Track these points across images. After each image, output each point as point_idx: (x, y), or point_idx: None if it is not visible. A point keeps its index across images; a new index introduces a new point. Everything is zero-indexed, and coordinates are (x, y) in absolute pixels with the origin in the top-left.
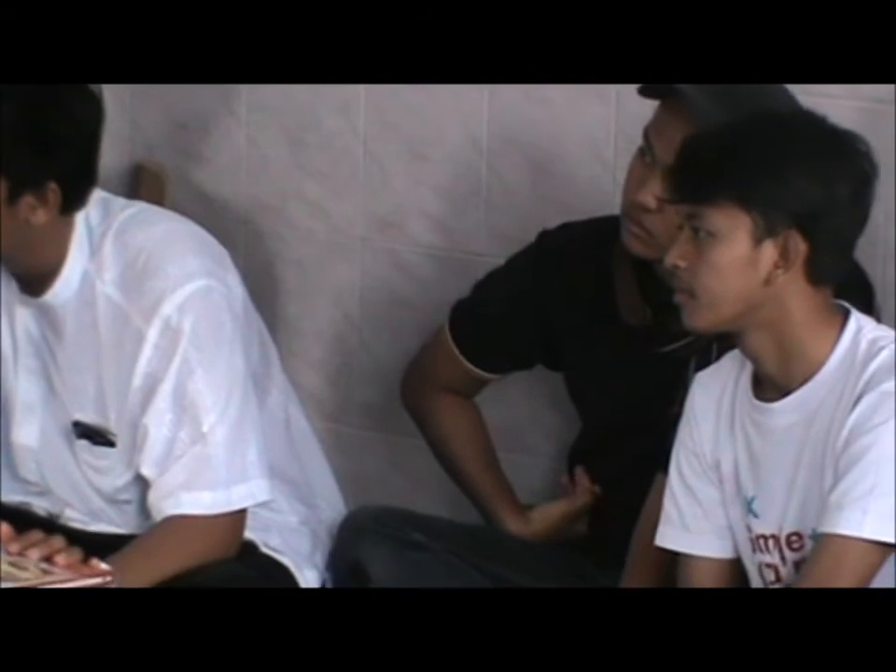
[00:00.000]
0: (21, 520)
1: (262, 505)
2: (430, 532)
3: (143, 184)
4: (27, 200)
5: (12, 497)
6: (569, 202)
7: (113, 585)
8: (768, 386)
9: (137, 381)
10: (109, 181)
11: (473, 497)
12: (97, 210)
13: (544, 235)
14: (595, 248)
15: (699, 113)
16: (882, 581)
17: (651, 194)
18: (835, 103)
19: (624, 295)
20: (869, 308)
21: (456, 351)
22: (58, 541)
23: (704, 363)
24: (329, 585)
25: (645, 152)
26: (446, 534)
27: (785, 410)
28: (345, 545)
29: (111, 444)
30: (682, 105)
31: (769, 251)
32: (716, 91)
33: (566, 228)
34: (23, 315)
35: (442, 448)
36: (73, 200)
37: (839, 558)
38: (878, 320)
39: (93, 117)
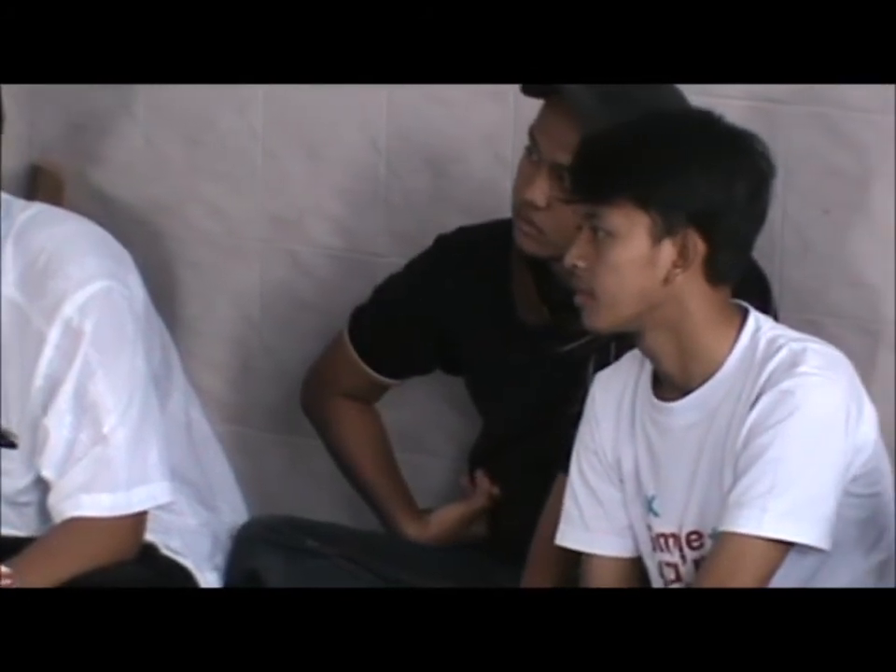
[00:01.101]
0: None
1: (163, 507)
2: (325, 538)
3: (40, 185)
4: None
5: None
6: (469, 202)
7: (13, 587)
8: (668, 386)
9: (38, 382)
10: (6, 182)
11: (371, 502)
12: None
13: (441, 239)
14: (492, 250)
15: (583, 111)
16: (783, 580)
17: (539, 192)
18: (730, 103)
19: (522, 295)
20: (766, 307)
21: (356, 357)
22: None
23: (602, 362)
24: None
25: (532, 151)
26: (341, 539)
27: (685, 409)
28: (240, 555)
29: (12, 446)
30: (566, 104)
31: (668, 250)
32: (602, 89)
33: (462, 231)
34: None
35: (341, 453)
36: None
37: (739, 557)
38: (776, 319)
39: None
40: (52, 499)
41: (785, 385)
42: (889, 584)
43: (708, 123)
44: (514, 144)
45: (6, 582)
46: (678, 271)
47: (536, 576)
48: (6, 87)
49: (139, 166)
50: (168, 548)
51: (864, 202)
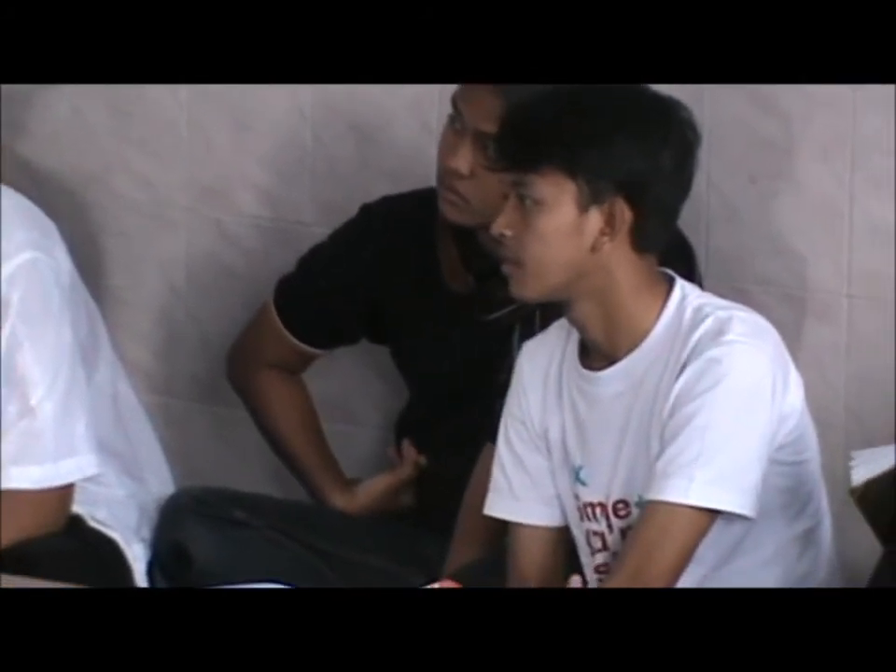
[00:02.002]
0: None
1: (90, 479)
2: (252, 509)
3: None
4: None
5: None
6: (394, 170)
7: None
8: (595, 355)
9: None
10: None
11: (298, 473)
12: None
13: (366, 208)
14: (417, 219)
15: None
16: (709, 548)
17: (462, 160)
18: None
19: (447, 264)
20: (692, 275)
21: (282, 327)
22: None
23: (528, 332)
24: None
25: (454, 119)
26: (269, 510)
27: (611, 378)
28: (167, 527)
29: None
30: None
31: (595, 219)
32: None
33: (387, 200)
34: None
35: (267, 424)
36: None
37: (665, 525)
38: (701, 287)
39: None
40: None
41: (711, 353)
42: (815, 552)
43: (635, 92)
44: (440, 111)
45: None
46: (605, 239)
47: (463, 546)
48: None
49: (66, 137)
50: (95, 519)
51: (790, 170)
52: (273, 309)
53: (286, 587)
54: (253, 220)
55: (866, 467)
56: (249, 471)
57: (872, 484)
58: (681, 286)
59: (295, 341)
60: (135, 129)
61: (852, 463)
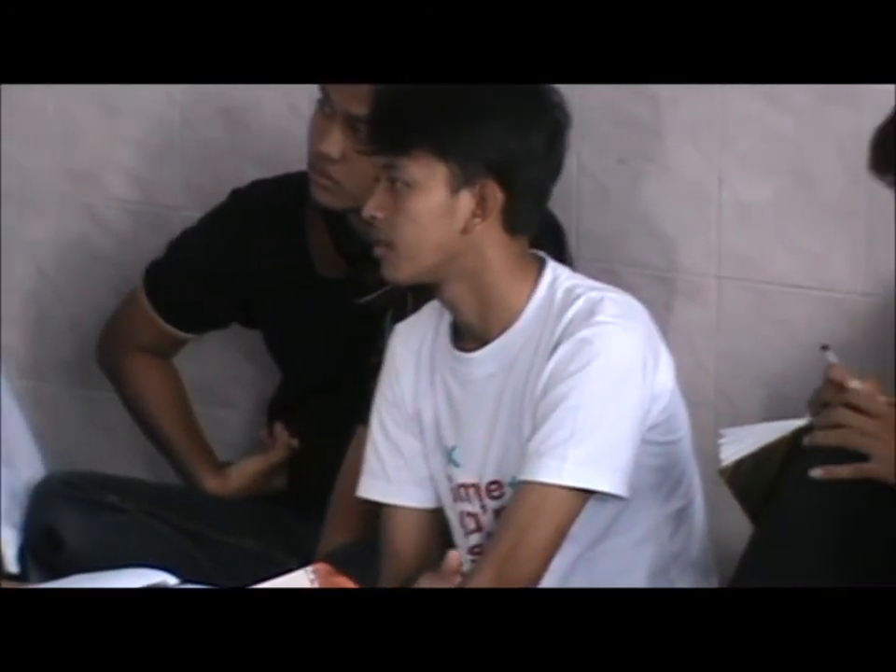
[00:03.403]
0: None
1: None
2: (124, 493)
3: None
4: None
5: None
6: (265, 154)
7: None
8: (467, 336)
9: None
10: None
11: (170, 457)
12: None
13: (236, 193)
14: (288, 203)
15: None
16: (582, 528)
17: (333, 144)
18: None
19: (318, 248)
20: (563, 257)
21: (152, 311)
22: None
23: (400, 314)
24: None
25: (323, 104)
26: (141, 494)
27: (484, 359)
28: (38, 511)
29: None
30: None
31: (466, 200)
32: None
33: (257, 184)
34: None
35: (138, 409)
36: None
37: (538, 506)
38: (572, 268)
39: None
40: None
41: (583, 333)
42: (687, 531)
43: None
44: (310, 94)
45: None
46: (476, 221)
47: (336, 528)
48: None
49: None
50: None
51: (659, 151)
52: (143, 293)
53: (172, 576)
54: (123, 204)
55: (735, 446)
56: (121, 455)
57: (741, 464)
58: (553, 267)
59: (165, 325)
60: (5, 114)
61: (721, 441)
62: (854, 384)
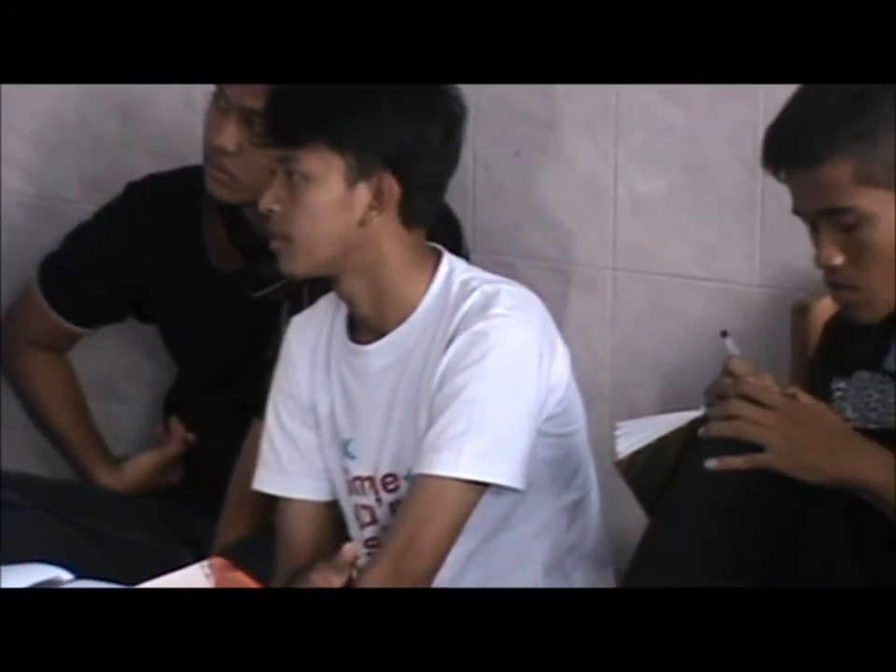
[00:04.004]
0: None
1: None
2: (19, 488)
3: None
4: None
5: None
6: (160, 147)
7: None
8: (364, 329)
9: None
10: None
11: (65, 452)
12: None
13: (131, 187)
14: (184, 197)
15: None
16: (479, 520)
17: (228, 138)
18: None
19: (214, 242)
20: (459, 249)
21: (46, 306)
22: None
23: (296, 307)
24: None
25: (219, 97)
26: (37, 489)
27: (380, 352)
28: None
29: None
30: None
31: (363, 193)
32: None
33: (152, 178)
34: None
35: (32, 404)
36: None
37: (435, 499)
38: (468, 261)
39: None
40: None
41: (478, 326)
42: (583, 523)
43: None
44: (205, 87)
45: None
46: (373, 213)
47: (232, 522)
48: None
49: None
50: None
51: (554, 143)
52: (37, 288)
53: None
54: (17, 197)
55: (631, 438)
56: (15, 451)
57: (637, 456)
58: (449, 260)
59: (60, 319)
60: None
61: (617, 434)
62: (750, 377)
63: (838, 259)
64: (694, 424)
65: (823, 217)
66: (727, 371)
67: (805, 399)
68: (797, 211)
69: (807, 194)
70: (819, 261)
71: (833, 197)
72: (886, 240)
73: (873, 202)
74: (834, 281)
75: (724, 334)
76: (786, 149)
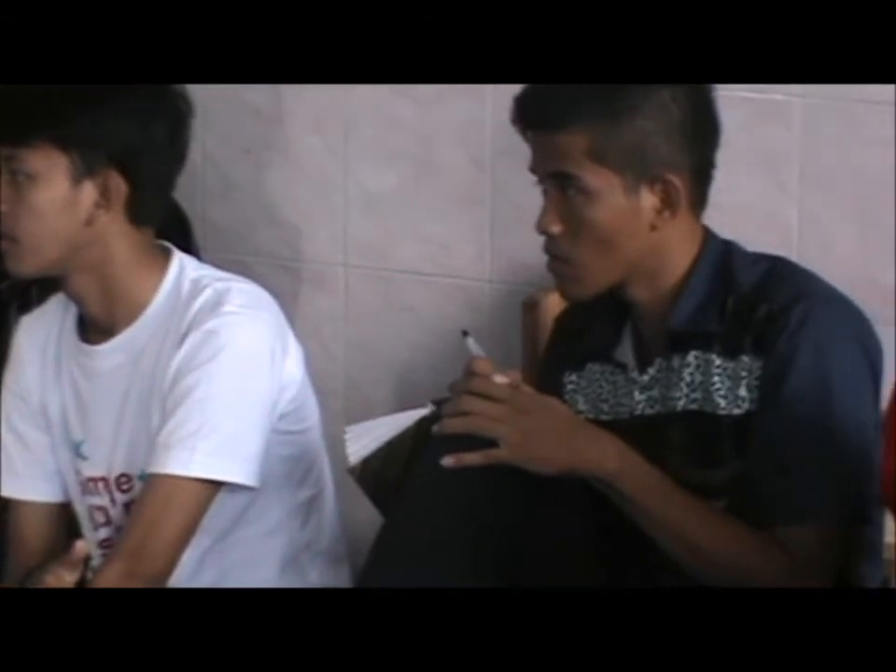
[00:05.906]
0: None
1: None
2: None
3: None
4: None
5: None
6: None
7: None
8: (94, 329)
9: None
10: None
11: None
12: None
13: None
14: None
15: None
16: (214, 518)
17: None
18: None
19: None
20: (189, 247)
21: None
22: None
23: (25, 306)
24: None
25: None
26: None
27: (110, 352)
28: None
29: None
30: None
31: (89, 191)
32: None
33: None
34: None
35: None
36: None
37: (168, 498)
38: (199, 259)
39: None
40: None
41: (210, 324)
42: (318, 520)
43: None
44: None
45: None
46: (100, 212)
47: None
48: None
49: None
50: None
51: (283, 140)
52: None
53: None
54: None
55: (359, 442)
56: None
57: (368, 461)
58: (180, 258)
59: None
60: None
61: (346, 438)
62: (493, 376)
63: (556, 228)
64: (423, 422)
65: (551, 180)
66: (469, 372)
67: (530, 391)
68: (532, 169)
69: (543, 155)
70: (538, 226)
71: (563, 163)
72: (603, 219)
73: (600, 179)
74: (550, 250)
75: (465, 334)
76: (533, 110)
